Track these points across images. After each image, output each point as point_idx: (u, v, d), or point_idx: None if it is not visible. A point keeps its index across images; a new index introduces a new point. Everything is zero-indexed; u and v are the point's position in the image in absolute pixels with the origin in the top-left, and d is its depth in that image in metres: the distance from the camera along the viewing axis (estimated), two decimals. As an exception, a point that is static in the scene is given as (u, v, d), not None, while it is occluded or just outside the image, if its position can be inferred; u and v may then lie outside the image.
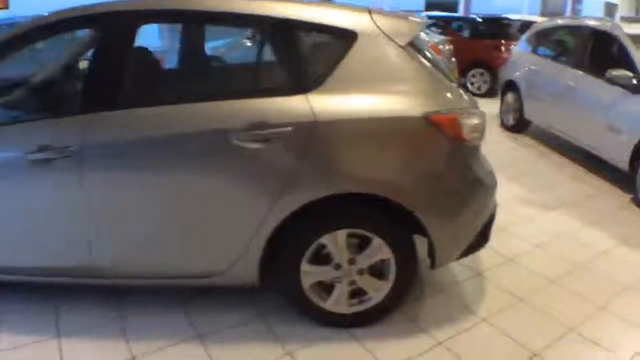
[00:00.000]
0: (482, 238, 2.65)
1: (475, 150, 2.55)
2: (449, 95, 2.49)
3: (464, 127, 2.40)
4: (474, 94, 7.18)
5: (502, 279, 3.15)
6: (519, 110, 6.76)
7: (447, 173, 2.46)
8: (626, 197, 4.67)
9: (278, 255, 2.48)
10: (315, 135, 2.29)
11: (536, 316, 2.79)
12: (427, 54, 2.67)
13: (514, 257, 3.44)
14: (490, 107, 7.26)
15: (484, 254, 2.86)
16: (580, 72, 5.57)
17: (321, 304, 2.56)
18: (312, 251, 2.46)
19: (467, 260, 2.71)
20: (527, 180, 5.05)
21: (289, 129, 2.27)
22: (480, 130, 2.52)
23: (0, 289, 2.81)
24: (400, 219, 2.44)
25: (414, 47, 2.46)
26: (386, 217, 2.45)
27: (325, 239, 2.44)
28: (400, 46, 2.38)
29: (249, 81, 2.83)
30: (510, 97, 7.05)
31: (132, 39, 2.42)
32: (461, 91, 2.61)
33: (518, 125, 6.90)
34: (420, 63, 2.45)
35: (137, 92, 2.50)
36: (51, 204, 2.43)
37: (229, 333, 2.58)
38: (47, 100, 2.82)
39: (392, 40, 2.38)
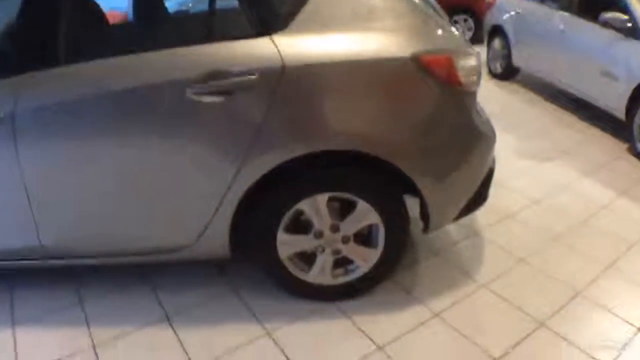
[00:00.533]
0: (480, 196, 2.37)
1: (472, 96, 2.23)
2: (440, 32, 2.16)
3: (459, 70, 2.08)
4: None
5: (501, 238, 2.91)
6: (507, 57, 6.47)
7: (441, 124, 2.14)
8: (621, 146, 4.44)
9: (251, 224, 2.19)
10: (284, 83, 1.94)
11: (539, 279, 2.56)
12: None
13: (512, 213, 3.20)
14: (477, 54, 6.97)
15: (480, 211, 2.62)
16: (571, 15, 5.27)
17: (302, 276, 2.31)
18: (289, 218, 2.17)
19: (462, 219, 2.46)
20: (520, 131, 4.79)
21: (253, 77, 1.93)
22: (478, 73, 2.20)
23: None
24: (388, 178, 2.14)
25: None
26: (372, 177, 2.15)
27: (303, 205, 2.14)
28: None
29: (203, 24, 2.46)
30: (497, 43, 6.73)
31: None
32: (454, 29, 2.28)
33: (506, 73, 6.60)
34: None
35: (76, 45, 2.11)
36: None
37: (199, 312, 2.34)
38: None
39: None
